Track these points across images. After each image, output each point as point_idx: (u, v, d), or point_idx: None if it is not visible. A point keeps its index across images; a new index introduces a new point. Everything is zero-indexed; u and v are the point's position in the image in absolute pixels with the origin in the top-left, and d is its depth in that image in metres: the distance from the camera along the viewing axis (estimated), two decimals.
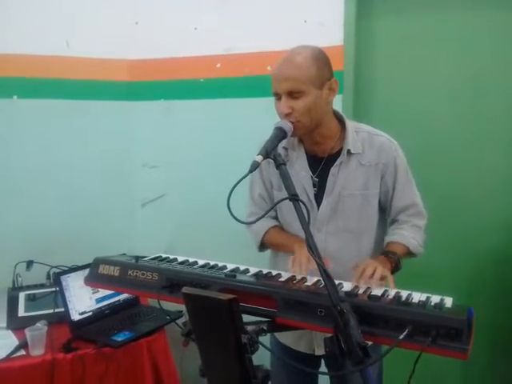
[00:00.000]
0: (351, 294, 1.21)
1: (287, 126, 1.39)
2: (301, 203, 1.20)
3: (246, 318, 1.14)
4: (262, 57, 2.40)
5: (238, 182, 1.21)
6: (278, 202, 1.34)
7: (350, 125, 1.56)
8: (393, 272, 1.45)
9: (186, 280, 1.32)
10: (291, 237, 1.60)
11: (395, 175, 1.54)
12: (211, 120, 2.55)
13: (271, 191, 1.67)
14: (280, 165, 1.27)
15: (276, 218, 1.69)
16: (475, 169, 2.29)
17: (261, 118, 2.22)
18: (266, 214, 1.28)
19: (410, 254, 1.56)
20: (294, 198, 1.21)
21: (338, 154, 1.53)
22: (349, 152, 1.51)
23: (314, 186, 1.56)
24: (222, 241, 2.47)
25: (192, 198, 2.61)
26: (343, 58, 2.26)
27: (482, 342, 2.07)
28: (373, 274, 1.30)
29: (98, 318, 2.14)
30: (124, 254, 1.86)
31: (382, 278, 1.32)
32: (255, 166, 1.24)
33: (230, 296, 1.07)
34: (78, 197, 2.57)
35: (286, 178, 1.25)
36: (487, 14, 2.16)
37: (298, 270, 1.36)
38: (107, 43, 2.55)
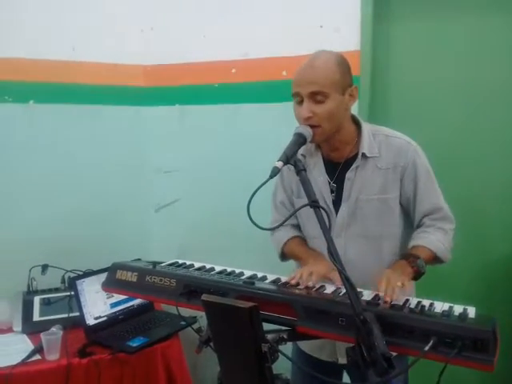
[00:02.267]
0: (373, 303, 1.19)
1: (307, 131, 1.38)
2: (322, 209, 1.18)
3: (265, 326, 1.13)
4: (278, 62, 2.39)
5: (258, 188, 1.19)
6: (298, 209, 1.33)
7: (367, 128, 1.54)
8: (416, 278, 1.41)
9: (204, 287, 1.31)
10: (309, 251, 1.58)
11: (415, 178, 1.50)
12: (226, 125, 2.54)
13: (292, 198, 1.65)
14: (300, 171, 1.26)
15: (298, 226, 1.67)
16: (489, 172, 2.27)
17: (276, 123, 2.36)
18: (284, 221, 1.27)
19: (436, 259, 1.49)
20: (314, 204, 1.20)
21: (355, 158, 1.51)
22: (364, 156, 1.49)
23: (332, 191, 1.54)
24: (236, 247, 2.46)
25: (206, 204, 2.60)
26: (359, 63, 2.24)
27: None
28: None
29: (113, 323, 2.13)
30: (139, 260, 1.86)
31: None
32: (275, 172, 1.23)
33: (251, 304, 1.05)
34: (93, 201, 2.56)
35: (306, 184, 1.24)
36: (504, 19, 2.15)
37: (294, 282, 1.33)
38: (122, 48, 2.58)
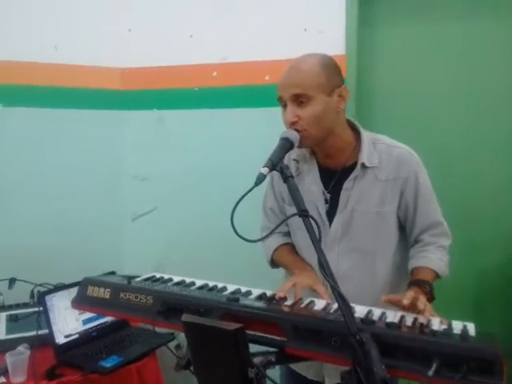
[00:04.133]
0: (367, 321, 1.10)
1: (293, 135, 1.30)
2: (311, 219, 1.10)
3: (251, 346, 1.03)
4: (261, 66, 2.33)
5: (242, 198, 1.12)
6: (287, 219, 1.23)
7: (367, 136, 1.46)
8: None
9: (184, 304, 1.20)
10: (296, 261, 1.51)
11: (416, 191, 1.43)
12: (206, 131, 2.47)
13: (283, 205, 1.58)
14: (287, 178, 1.18)
15: (289, 233, 1.60)
16: (478, 177, 2.24)
17: (259, 129, 2.33)
18: (272, 231, 1.20)
19: (437, 277, 1.44)
20: (303, 213, 1.11)
21: (353, 167, 1.43)
22: (364, 165, 1.41)
23: (326, 201, 1.46)
24: (218, 258, 2.38)
25: (186, 213, 2.52)
26: (345, 66, 2.19)
27: None
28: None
29: (85, 341, 1.99)
30: (113, 273, 1.78)
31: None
32: (261, 179, 1.15)
33: (236, 325, 0.95)
34: (65, 210, 2.44)
35: (294, 193, 1.16)
36: (488, 24, 2.14)
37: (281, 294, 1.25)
38: (99, 50, 2.48)
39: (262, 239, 1.18)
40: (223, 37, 2.39)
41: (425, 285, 1.34)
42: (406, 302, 1.16)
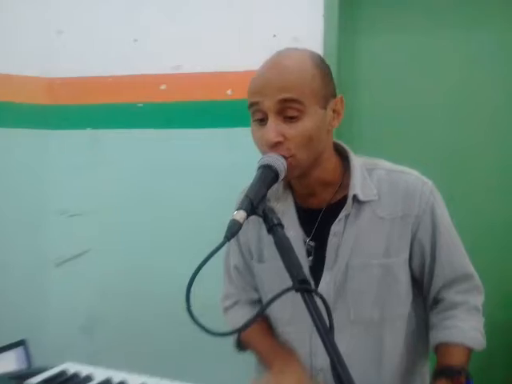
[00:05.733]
0: None
1: (279, 162, 0.92)
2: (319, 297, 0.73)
3: None
4: (221, 78, 2.05)
5: (205, 262, 0.73)
6: (276, 298, 0.78)
7: (359, 161, 1.11)
8: None
9: None
10: (275, 346, 1.15)
11: (434, 232, 1.07)
12: (151, 156, 2.18)
13: (249, 262, 1.20)
14: (274, 227, 0.81)
15: (261, 300, 1.24)
16: (461, 192, 2.05)
17: (218, 155, 2.07)
18: (251, 321, 0.75)
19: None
20: (303, 287, 0.74)
21: (342, 203, 1.07)
22: (357, 199, 1.05)
23: (309, 253, 1.09)
24: (163, 315, 2.04)
25: (123, 257, 2.19)
26: None
27: None
28: None
29: None
30: (22, 343, 1.40)
31: None
32: (235, 229, 0.79)
33: None
34: None
35: (284, 250, 0.79)
36: (472, 34, 2.05)
37: None
38: (21, 57, 2.18)
39: (236, 332, 0.73)
40: (175, 42, 2.10)
41: (458, 375, 0.99)
42: None
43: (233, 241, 1.19)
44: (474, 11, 2.03)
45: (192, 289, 0.71)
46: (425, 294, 1.13)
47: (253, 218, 0.82)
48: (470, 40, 2.06)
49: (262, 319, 1.19)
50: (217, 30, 2.05)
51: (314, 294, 0.72)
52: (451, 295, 1.09)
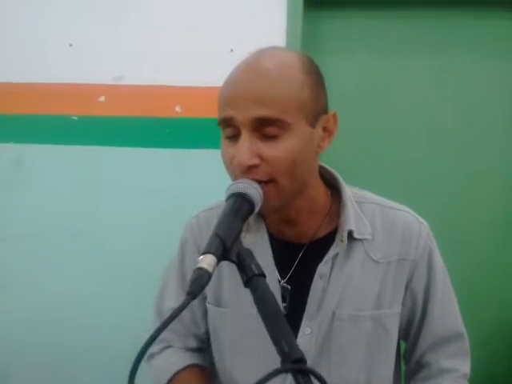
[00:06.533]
0: None
1: (254, 190, 0.74)
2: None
3: None
4: (169, 93, 1.86)
5: (162, 329, 0.57)
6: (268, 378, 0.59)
7: (348, 192, 0.94)
8: None
9: None
10: None
11: (429, 281, 0.93)
12: (86, 176, 1.97)
13: (201, 303, 0.99)
14: (254, 277, 0.63)
15: (199, 339, 1.03)
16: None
17: (163, 178, 1.93)
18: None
19: None
20: (298, 367, 0.57)
21: (329, 239, 0.90)
22: (351, 236, 0.89)
23: (284, 298, 0.90)
24: (89, 358, 1.82)
25: (50, 290, 1.93)
26: None
27: None
28: None
29: None
30: None
31: None
32: (203, 282, 0.59)
33: None
34: None
35: (269, 312, 0.61)
36: (438, 59, 2.04)
37: None
38: None
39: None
40: (118, 48, 1.88)
41: None
42: None
43: (175, 273, 1.00)
44: (449, 33, 2.00)
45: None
46: (407, 357, 0.98)
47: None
48: (439, 65, 2.03)
49: (199, 367, 0.98)
50: (166, 40, 1.86)
51: (311, 374, 0.54)
52: (438, 360, 0.94)
